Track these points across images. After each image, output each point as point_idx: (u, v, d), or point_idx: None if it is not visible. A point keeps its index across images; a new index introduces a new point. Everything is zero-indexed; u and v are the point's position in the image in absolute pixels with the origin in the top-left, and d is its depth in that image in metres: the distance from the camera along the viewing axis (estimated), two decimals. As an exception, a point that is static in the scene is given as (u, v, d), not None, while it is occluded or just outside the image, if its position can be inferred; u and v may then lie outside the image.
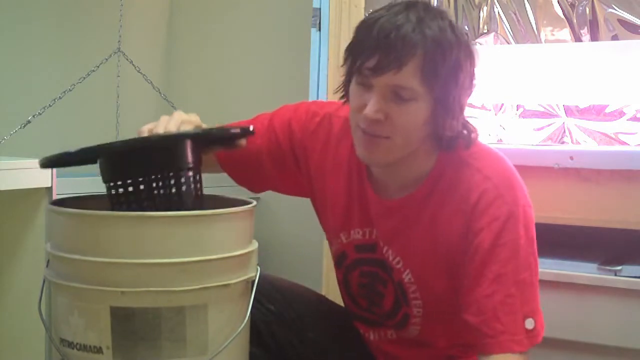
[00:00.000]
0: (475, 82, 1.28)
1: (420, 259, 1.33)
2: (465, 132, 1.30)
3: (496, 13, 2.24)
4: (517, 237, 1.26)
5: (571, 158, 1.83)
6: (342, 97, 1.34)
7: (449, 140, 1.29)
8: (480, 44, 2.23)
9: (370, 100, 1.23)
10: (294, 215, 2.52)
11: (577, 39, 2.11)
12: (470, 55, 1.26)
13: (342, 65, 1.32)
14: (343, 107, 1.39)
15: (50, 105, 2.21)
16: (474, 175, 1.29)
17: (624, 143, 2.03)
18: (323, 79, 2.12)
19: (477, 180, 1.28)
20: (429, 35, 1.20)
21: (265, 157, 1.46)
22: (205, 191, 1.29)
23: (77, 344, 1.18)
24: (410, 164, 1.31)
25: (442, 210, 1.31)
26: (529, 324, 1.25)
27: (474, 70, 1.27)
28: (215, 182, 2.36)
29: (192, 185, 1.24)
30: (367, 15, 1.31)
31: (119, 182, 1.22)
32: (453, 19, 1.28)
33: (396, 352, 1.45)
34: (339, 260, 1.46)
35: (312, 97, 2.13)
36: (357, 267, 1.43)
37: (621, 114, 2.05)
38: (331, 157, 1.42)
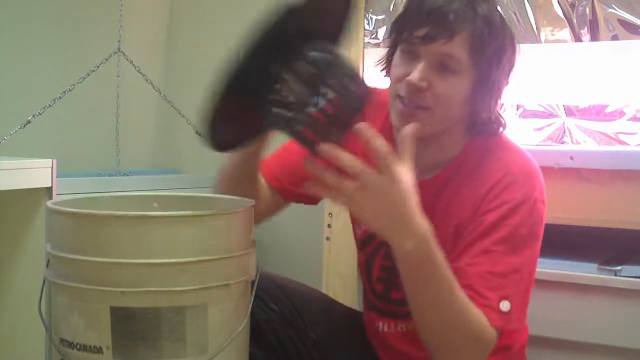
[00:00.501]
0: (512, 72, 1.32)
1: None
2: (497, 119, 1.34)
3: (496, 13, 2.24)
4: (520, 225, 1.27)
5: (571, 158, 1.83)
6: (384, 69, 1.36)
7: (483, 123, 1.32)
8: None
9: (415, 67, 1.25)
10: (294, 215, 2.51)
11: (577, 39, 2.12)
12: (512, 44, 1.31)
13: (386, 39, 1.33)
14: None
15: (50, 105, 2.21)
16: (494, 162, 1.31)
17: (624, 143, 2.03)
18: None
19: (498, 167, 1.30)
20: (480, 13, 1.25)
21: None
22: (206, 191, 1.29)
23: (77, 344, 1.18)
24: (439, 144, 1.33)
25: (458, 194, 1.32)
26: (504, 305, 1.23)
27: (514, 59, 1.31)
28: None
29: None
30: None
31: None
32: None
33: (403, 347, 1.43)
34: (364, 243, 1.47)
35: (312, 97, 2.13)
36: (382, 248, 1.42)
37: (621, 114, 2.06)
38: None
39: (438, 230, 1.30)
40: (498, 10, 1.30)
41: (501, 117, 1.37)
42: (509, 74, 1.32)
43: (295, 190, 1.47)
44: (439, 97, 1.26)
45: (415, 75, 1.25)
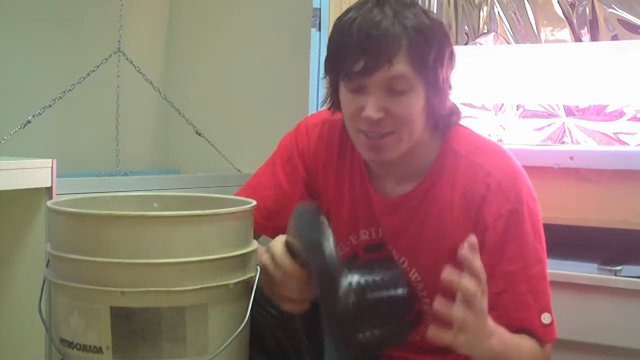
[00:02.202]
0: (454, 57, 1.30)
1: (425, 258, 1.33)
2: (453, 109, 1.32)
3: (496, 13, 2.24)
4: (524, 233, 1.26)
5: (571, 158, 1.83)
6: (331, 107, 1.33)
7: (445, 119, 1.31)
8: (480, 44, 2.24)
9: (367, 101, 1.23)
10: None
11: (577, 39, 2.11)
12: (446, 34, 1.28)
13: (324, 77, 1.32)
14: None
15: (50, 105, 2.21)
16: (476, 171, 1.29)
17: (624, 143, 2.03)
18: (323, 79, 2.12)
19: (480, 177, 1.29)
20: (409, 25, 1.22)
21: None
22: (206, 191, 1.29)
23: (77, 344, 1.18)
24: (411, 155, 1.31)
25: (444, 208, 1.31)
26: (545, 318, 1.25)
27: (451, 45, 1.29)
28: (215, 182, 2.37)
29: None
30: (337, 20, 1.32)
31: None
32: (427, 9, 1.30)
33: (404, 355, 1.43)
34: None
35: (312, 97, 2.13)
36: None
37: (621, 114, 2.05)
38: (335, 161, 1.41)
39: (431, 248, 1.31)
40: (420, 7, 1.26)
41: (455, 106, 1.34)
42: (452, 61, 1.29)
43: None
44: (399, 119, 1.24)
45: (370, 109, 1.23)
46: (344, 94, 1.28)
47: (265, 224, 1.41)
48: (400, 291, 1.15)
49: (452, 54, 1.29)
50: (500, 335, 1.18)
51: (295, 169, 1.43)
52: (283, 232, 1.27)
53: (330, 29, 1.32)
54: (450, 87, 1.30)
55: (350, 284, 1.13)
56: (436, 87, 1.26)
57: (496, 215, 1.26)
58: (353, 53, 1.22)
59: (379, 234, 1.38)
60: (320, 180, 1.43)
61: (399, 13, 1.22)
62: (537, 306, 1.25)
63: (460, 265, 1.28)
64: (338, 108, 1.32)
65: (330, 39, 1.29)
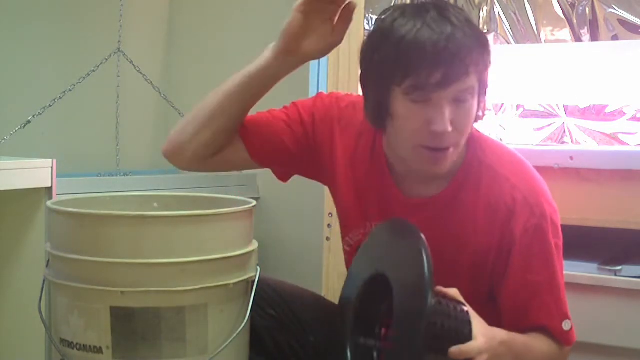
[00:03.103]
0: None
1: (442, 261, 1.32)
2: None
3: (496, 13, 2.24)
4: (548, 247, 1.30)
5: (571, 158, 1.83)
6: (375, 121, 1.29)
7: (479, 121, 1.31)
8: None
9: (435, 114, 1.20)
10: (294, 215, 2.51)
11: (577, 39, 2.11)
12: (486, 39, 1.28)
13: (363, 87, 1.28)
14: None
15: (50, 105, 2.21)
16: (502, 184, 1.30)
17: (624, 143, 2.03)
18: (323, 79, 2.12)
19: (506, 190, 1.30)
20: (470, 35, 1.21)
21: (293, 147, 1.42)
22: (206, 191, 1.29)
23: (77, 344, 1.18)
24: None
25: (469, 217, 1.32)
26: (566, 325, 1.30)
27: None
28: (215, 182, 2.37)
29: None
30: (376, 25, 1.26)
31: None
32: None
33: None
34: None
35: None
36: None
37: (621, 114, 2.05)
38: (353, 144, 1.40)
39: (449, 254, 1.31)
40: (464, 11, 1.26)
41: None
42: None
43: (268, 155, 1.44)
44: (460, 130, 1.24)
45: (444, 124, 1.20)
46: (403, 107, 1.23)
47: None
48: (467, 331, 1.16)
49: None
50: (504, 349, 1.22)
51: (315, 120, 1.42)
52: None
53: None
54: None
55: (435, 307, 1.14)
56: (484, 89, 1.27)
57: (523, 229, 1.29)
58: (430, 65, 1.18)
59: None
60: (338, 149, 1.41)
61: (463, 24, 1.22)
62: (559, 314, 1.30)
63: (479, 275, 1.32)
64: (383, 123, 1.27)
65: (380, 46, 1.23)
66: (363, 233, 1.40)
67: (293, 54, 1.33)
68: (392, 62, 1.21)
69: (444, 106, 1.20)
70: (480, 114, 1.30)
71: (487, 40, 1.26)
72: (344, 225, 1.47)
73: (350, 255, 1.44)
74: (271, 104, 1.48)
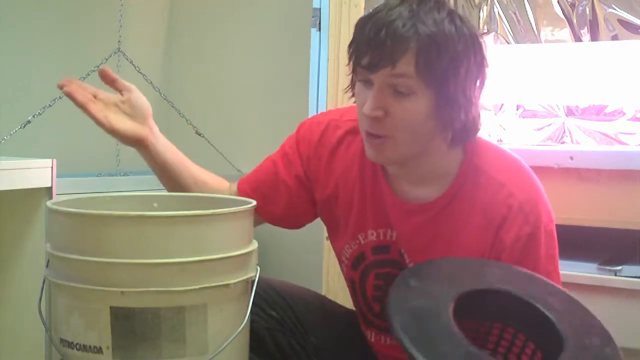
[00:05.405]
0: (485, 70, 1.26)
1: None
2: (473, 125, 1.28)
3: (496, 13, 2.24)
4: (538, 257, 1.28)
5: (571, 158, 1.83)
6: (352, 96, 1.33)
7: (459, 133, 1.28)
8: (480, 44, 2.24)
9: (368, 97, 1.24)
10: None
11: (577, 39, 2.12)
12: (473, 45, 1.23)
13: (347, 64, 1.31)
14: (348, 112, 1.40)
15: (50, 105, 2.21)
16: (498, 191, 1.29)
17: (624, 143, 2.03)
18: (323, 79, 2.12)
19: (502, 197, 1.28)
20: (422, 31, 1.19)
21: (301, 193, 1.45)
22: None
23: (77, 344, 1.18)
24: (425, 163, 1.30)
25: (463, 223, 1.31)
26: None
27: (480, 58, 1.25)
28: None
29: None
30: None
31: None
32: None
33: (404, 357, 1.43)
34: (356, 262, 1.43)
35: (312, 97, 2.13)
36: (373, 269, 1.41)
37: (621, 114, 2.06)
38: (340, 161, 1.40)
39: (442, 254, 1.29)
40: (449, 12, 1.23)
41: (475, 122, 1.29)
42: (477, 75, 1.25)
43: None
44: (397, 123, 1.23)
45: (367, 106, 1.23)
46: (357, 85, 1.28)
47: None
48: None
49: (478, 66, 1.25)
50: None
51: (293, 164, 1.44)
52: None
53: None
54: (469, 100, 1.25)
55: None
56: (446, 97, 1.22)
57: (515, 237, 1.27)
58: (362, 47, 1.23)
59: (390, 236, 1.38)
60: (321, 174, 1.42)
61: (416, 16, 1.20)
62: None
63: None
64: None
65: (354, 28, 1.29)
66: (358, 243, 1.41)
67: (135, 143, 1.47)
68: (350, 44, 1.27)
69: (376, 90, 1.22)
70: (447, 122, 1.25)
71: (449, 42, 1.20)
72: (341, 237, 1.45)
73: (348, 267, 1.45)
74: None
